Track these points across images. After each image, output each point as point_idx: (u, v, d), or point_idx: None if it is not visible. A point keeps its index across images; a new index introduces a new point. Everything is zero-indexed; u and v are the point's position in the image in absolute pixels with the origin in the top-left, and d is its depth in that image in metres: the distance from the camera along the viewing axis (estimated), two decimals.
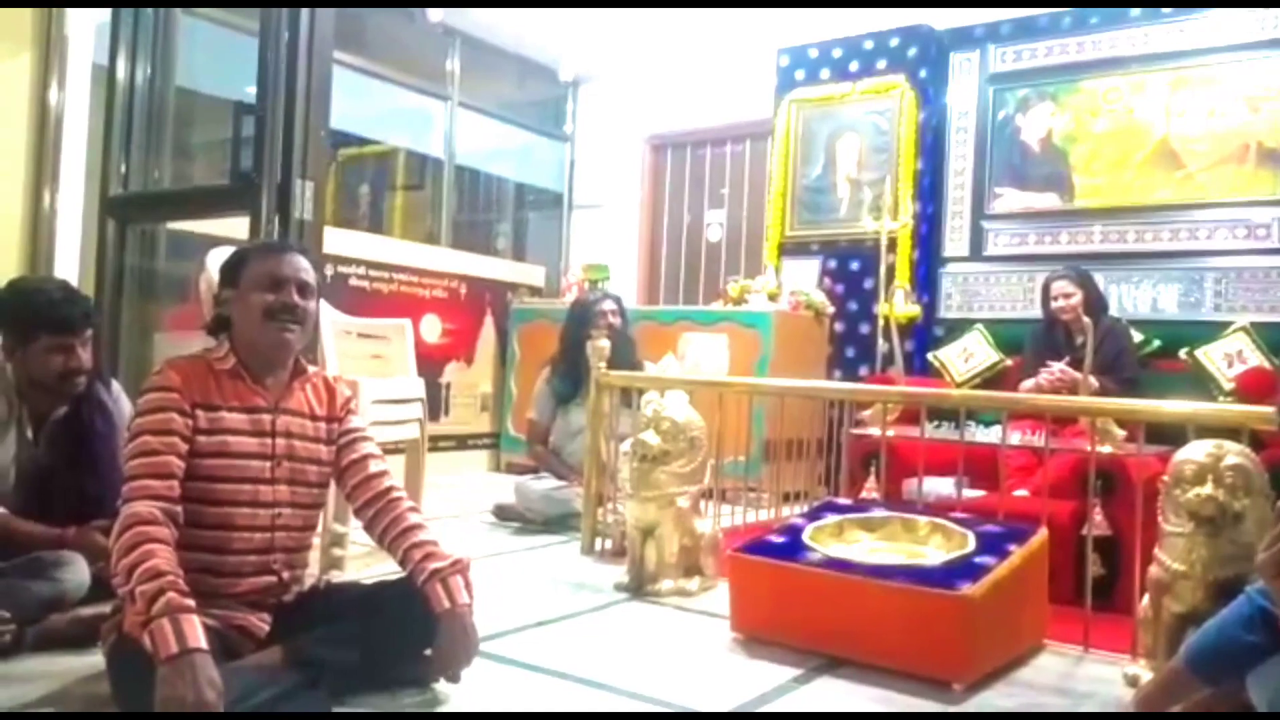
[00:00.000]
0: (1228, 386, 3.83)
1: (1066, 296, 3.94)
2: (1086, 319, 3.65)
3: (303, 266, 2.02)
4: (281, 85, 2.77)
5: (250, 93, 2.93)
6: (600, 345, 3.57)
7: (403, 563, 1.99)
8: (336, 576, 2.80)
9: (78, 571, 2.22)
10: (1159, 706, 1.72)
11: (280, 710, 1.75)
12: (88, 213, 3.70)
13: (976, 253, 4.95)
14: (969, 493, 3.07)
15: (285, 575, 2.02)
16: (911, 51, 5.13)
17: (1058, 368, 3.79)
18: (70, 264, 3.71)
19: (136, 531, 1.73)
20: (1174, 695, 1.73)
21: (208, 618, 1.84)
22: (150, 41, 3.54)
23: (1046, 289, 4.05)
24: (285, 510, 1.99)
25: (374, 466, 2.08)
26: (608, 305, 4.18)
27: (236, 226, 2.89)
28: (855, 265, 5.22)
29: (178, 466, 1.85)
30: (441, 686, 1.99)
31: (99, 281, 3.43)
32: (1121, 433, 2.83)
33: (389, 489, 2.06)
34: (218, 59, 4.41)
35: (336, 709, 1.85)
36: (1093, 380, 3.40)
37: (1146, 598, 2.19)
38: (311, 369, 2.12)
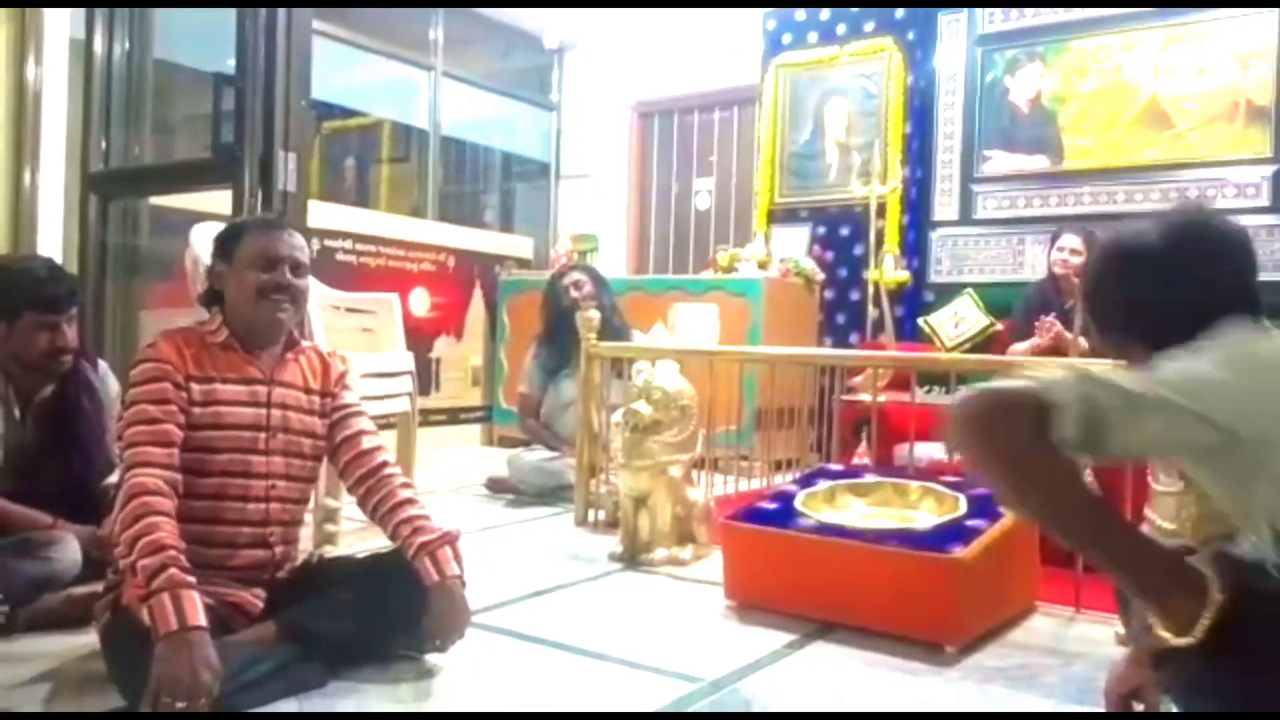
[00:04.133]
0: None
1: (1074, 252, 3.90)
2: (1077, 280, 3.65)
3: (298, 245, 2.03)
4: (261, 56, 2.73)
5: (230, 64, 2.89)
6: (589, 316, 3.56)
7: (393, 538, 1.99)
8: (329, 552, 2.80)
9: (69, 551, 2.21)
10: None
11: (276, 684, 1.76)
12: (69, 189, 3.65)
13: (966, 216, 4.94)
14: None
15: (279, 550, 2.02)
16: (899, 13, 5.09)
17: (1048, 321, 3.77)
18: (53, 242, 3.67)
19: (141, 503, 1.73)
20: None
21: (201, 595, 1.84)
22: (127, 14, 3.49)
23: (1054, 239, 4.02)
24: (280, 482, 1.99)
25: (367, 443, 2.08)
26: (571, 278, 4.19)
27: (220, 201, 2.87)
28: (845, 231, 5.21)
29: (176, 435, 1.85)
30: (436, 658, 2.00)
31: (82, 259, 3.40)
32: None
33: (382, 464, 2.06)
34: (196, 30, 4.34)
35: (332, 682, 1.86)
36: (1082, 341, 3.41)
37: None
38: (305, 343, 2.13)
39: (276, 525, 2.00)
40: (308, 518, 2.34)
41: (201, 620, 1.63)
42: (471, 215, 6.99)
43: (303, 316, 2.14)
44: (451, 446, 5.61)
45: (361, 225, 5.40)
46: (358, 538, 2.99)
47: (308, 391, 2.06)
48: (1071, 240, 3.94)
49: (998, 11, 4.85)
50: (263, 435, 1.97)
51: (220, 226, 2.15)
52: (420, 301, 5.63)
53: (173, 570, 1.65)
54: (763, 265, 5.20)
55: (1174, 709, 1.38)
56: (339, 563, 2.18)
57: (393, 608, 1.96)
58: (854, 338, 5.09)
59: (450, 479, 4.46)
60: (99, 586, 1.99)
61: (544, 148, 7.03)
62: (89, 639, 1.96)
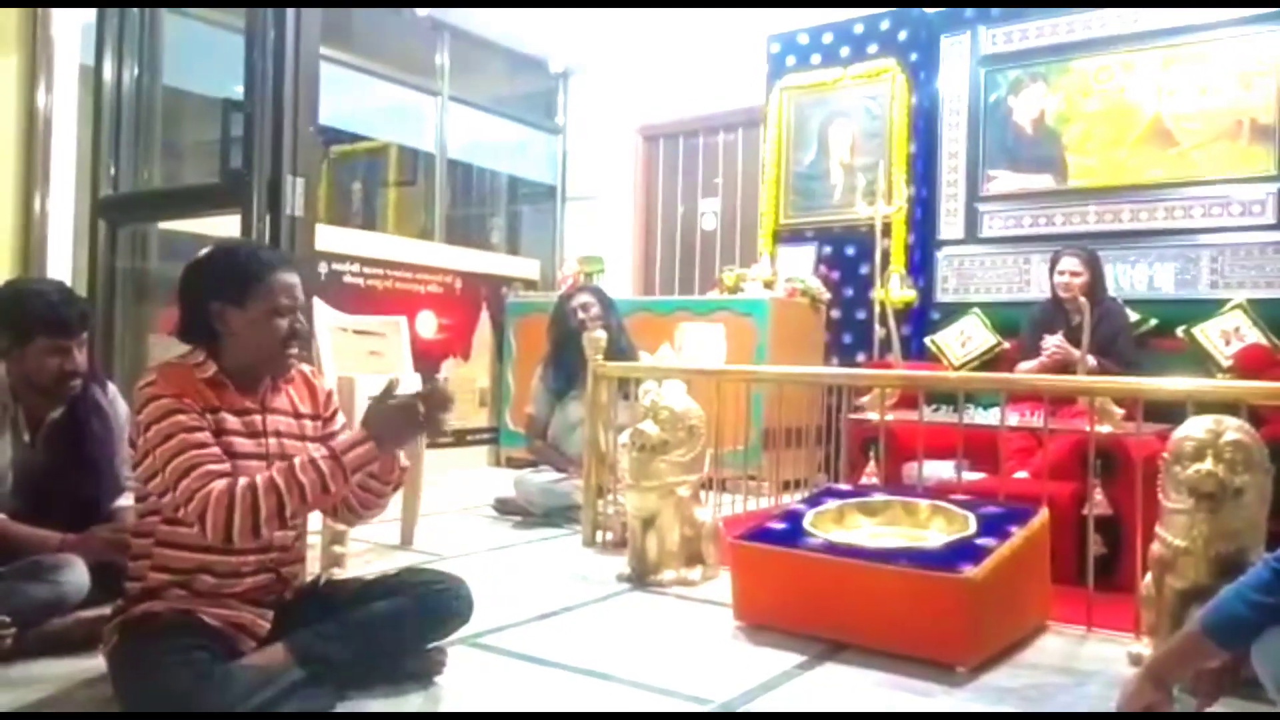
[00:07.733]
0: (1225, 363, 3.82)
1: (1074, 274, 3.91)
2: (1083, 299, 3.65)
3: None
4: (269, 81, 2.75)
5: (239, 90, 2.91)
6: (596, 337, 3.56)
7: (346, 500, 2.00)
8: (337, 574, 2.79)
9: (77, 574, 2.21)
10: (1171, 671, 1.71)
11: (285, 707, 1.74)
12: (79, 215, 3.68)
13: (972, 235, 4.94)
14: (969, 475, 3.06)
15: (283, 572, 2.02)
16: (902, 35, 5.12)
17: (1054, 341, 3.78)
18: (63, 266, 3.69)
19: (230, 499, 1.76)
20: (1188, 660, 1.72)
21: (208, 617, 1.84)
22: (137, 41, 3.51)
23: (1054, 263, 4.03)
24: None
25: None
26: (579, 300, 4.19)
27: (228, 226, 2.88)
28: (850, 251, 5.22)
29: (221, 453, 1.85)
30: (445, 680, 1.99)
31: (91, 283, 3.41)
32: (1120, 412, 2.82)
33: None
34: (205, 57, 4.39)
35: (340, 704, 1.85)
36: (1091, 359, 3.40)
37: (1149, 576, 2.19)
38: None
39: (278, 550, 2.00)
40: (315, 540, 2.34)
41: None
42: (478, 238, 7.02)
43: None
44: (459, 468, 5.60)
45: (369, 248, 5.42)
46: (365, 559, 2.99)
47: (298, 416, 2.05)
48: (1071, 263, 3.94)
49: (999, 32, 4.87)
50: (263, 464, 1.93)
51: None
52: (427, 324, 5.65)
53: (288, 466, 1.80)
54: (769, 285, 5.21)
55: None
56: (346, 585, 2.17)
57: (400, 630, 1.95)
58: (861, 357, 5.09)
59: (458, 500, 4.45)
60: (107, 609, 1.98)
61: (550, 170, 7.07)
62: (96, 662, 1.95)
